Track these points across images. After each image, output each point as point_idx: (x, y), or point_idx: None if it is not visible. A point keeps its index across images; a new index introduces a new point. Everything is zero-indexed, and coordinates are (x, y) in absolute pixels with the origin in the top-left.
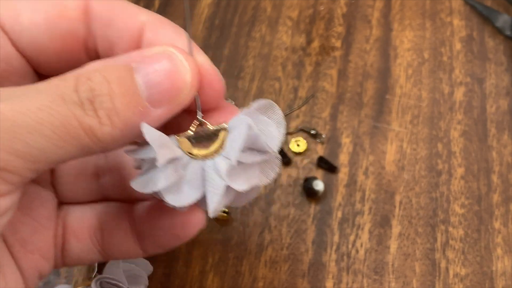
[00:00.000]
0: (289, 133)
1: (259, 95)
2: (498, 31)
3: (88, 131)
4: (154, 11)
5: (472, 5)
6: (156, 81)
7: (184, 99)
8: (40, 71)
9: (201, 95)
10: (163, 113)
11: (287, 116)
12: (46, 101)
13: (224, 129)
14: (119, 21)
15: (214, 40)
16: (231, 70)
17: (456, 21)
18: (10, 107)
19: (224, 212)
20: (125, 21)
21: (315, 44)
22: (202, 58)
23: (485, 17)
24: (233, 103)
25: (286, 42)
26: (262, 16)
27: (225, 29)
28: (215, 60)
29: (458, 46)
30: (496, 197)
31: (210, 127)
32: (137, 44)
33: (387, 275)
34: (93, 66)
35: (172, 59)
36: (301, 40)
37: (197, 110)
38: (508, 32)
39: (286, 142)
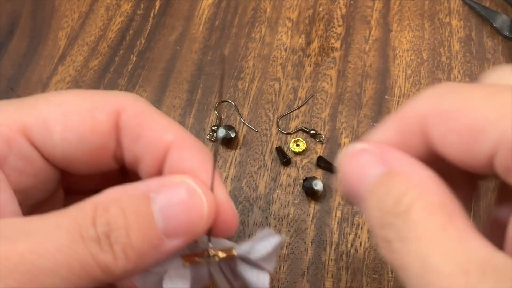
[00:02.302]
0: (289, 133)
1: (259, 95)
2: (497, 31)
3: (104, 268)
4: (154, 12)
5: (470, 5)
6: (173, 214)
7: (199, 232)
8: (69, 176)
9: (214, 228)
10: (177, 244)
11: (287, 116)
12: (65, 241)
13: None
14: (146, 138)
15: (214, 41)
16: (231, 70)
17: (455, 22)
18: (30, 249)
19: None
20: (152, 139)
21: (315, 44)
22: (221, 193)
23: (484, 18)
24: (234, 103)
25: (285, 43)
26: (262, 17)
27: (225, 30)
28: (215, 61)
29: (456, 46)
30: (494, 197)
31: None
32: (161, 163)
33: (386, 274)
34: (111, 194)
35: (190, 192)
36: (300, 41)
37: (208, 242)
38: (506, 32)
39: (286, 142)
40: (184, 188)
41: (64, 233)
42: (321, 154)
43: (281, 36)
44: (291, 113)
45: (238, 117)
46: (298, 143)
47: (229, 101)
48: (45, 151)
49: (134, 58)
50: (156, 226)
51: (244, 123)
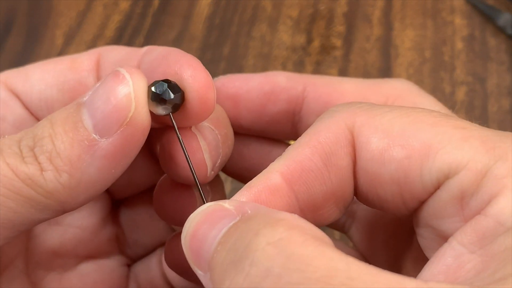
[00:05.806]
0: None
1: None
2: (500, 30)
3: (27, 181)
4: (153, 11)
5: (473, 4)
6: (99, 106)
7: (137, 119)
8: None
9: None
10: (116, 141)
11: None
12: None
13: None
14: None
15: (214, 40)
16: (231, 69)
17: (458, 20)
18: None
19: None
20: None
21: (316, 43)
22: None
23: (487, 16)
24: None
25: (286, 41)
26: (262, 15)
27: (225, 29)
28: (215, 59)
29: (459, 45)
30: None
31: None
32: None
33: None
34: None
35: (114, 78)
36: (301, 39)
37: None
38: (510, 31)
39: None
40: (110, 76)
41: None
42: None
43: (282, 35)
44: None
45: None
46: None
47: None
48: (23, 95)
49: None
50: (84, 126)
51: None
